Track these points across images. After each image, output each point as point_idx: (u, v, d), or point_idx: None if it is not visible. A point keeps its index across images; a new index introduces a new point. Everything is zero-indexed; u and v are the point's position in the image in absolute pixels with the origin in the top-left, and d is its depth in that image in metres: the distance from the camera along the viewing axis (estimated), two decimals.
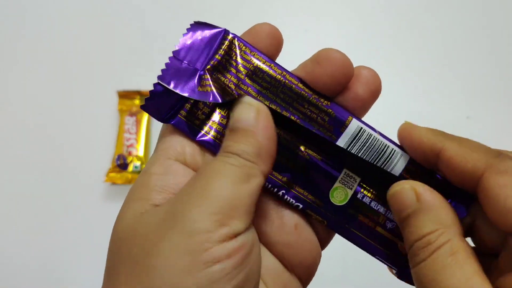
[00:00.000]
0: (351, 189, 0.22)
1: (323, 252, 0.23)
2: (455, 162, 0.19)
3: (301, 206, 0.22)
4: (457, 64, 0.56)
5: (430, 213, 0.19)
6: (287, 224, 0.22)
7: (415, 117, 0.58)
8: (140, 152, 0.53)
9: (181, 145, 0.21)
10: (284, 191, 0.22)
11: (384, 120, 0.52)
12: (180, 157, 0.20)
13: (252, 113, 0.20)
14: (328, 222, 0.22)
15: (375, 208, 0.22)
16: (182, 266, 0.17)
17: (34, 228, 0.51)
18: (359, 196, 0.22)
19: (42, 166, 0.53)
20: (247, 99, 0.21)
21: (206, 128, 0.21)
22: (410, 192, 0.19)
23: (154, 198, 0.19)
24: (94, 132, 0.54)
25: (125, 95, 0.54)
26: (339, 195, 0.22)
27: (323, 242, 0.23)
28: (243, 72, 0.21)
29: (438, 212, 0.19)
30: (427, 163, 0.21)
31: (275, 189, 0.22)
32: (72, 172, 0.52)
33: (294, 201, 0.22)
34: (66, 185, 0.52)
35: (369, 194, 0.22)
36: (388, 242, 0.22)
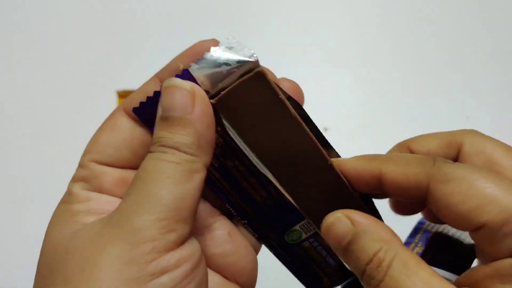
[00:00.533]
0: (307, 233, 0.22)
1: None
2: (398, 183, 0.19)
3: (247, 224, 0.22)
4: (457, 64, 0.56)
5: (369, 234, 0.18)
6: (221, 233, 0.21)
7: (415, 117, 0.58)
8: None
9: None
10: (243, 219, 0.22)
11: (383, 120, 0.52)
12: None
13: (187, 98, 0.18)
14: (272, 249, 0.23)
15: (319, 251, 0.23)
16: (127, 279, 0.15)
17: (34, 228, 0.51)
18: (310, 240, 0.22)
19: (41, 166, 0.53)
20: (177, 81, 0.19)
21: None
22: (344, 219, 0.19)
23: (81, 220, 0.18)
24: (94, 132, 0.53)
25: (125, 95, 0.54)
26: (294, 236, 0.22)
27: (255, 248, 0.23)
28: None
29: (376, 230, 0.18)
30: (374, 191, 0.20)
31: (232, 210, 0.21)
32: (72, 172, 0.52)
33: (245, 222, 0.22)
34: (66, 185, 0.52)
35: (319, 242, 0.23)
36: (317, 276, 0.23)
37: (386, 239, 0.18)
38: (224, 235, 0.21)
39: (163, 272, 0.16)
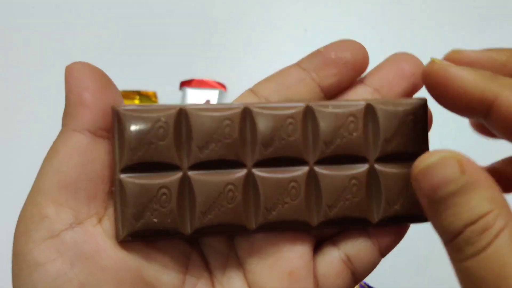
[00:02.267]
0: None
1: None
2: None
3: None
4: None
5: (482, 189, 0.14)
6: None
7: None
8: None
9: None
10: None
11: None
12: None
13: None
14: None
15: None
16: (15, 271, 0.16)
17: None
18: None
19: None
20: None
21: None
22: (453, 162, 0.15)
23: None
24: None
25: (124, 95, 0.54)
26: None
27: None
28: None
29: (490, 188, 0.15)
30: (469, 114, 0.17)
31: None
32: None
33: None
34: None
35: None
36: None
37: (501, 201, 0.15)
38: (285, 271, 0.19)
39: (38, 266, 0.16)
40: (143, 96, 0.54)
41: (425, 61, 0.20)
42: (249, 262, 0.19)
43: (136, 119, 0.17)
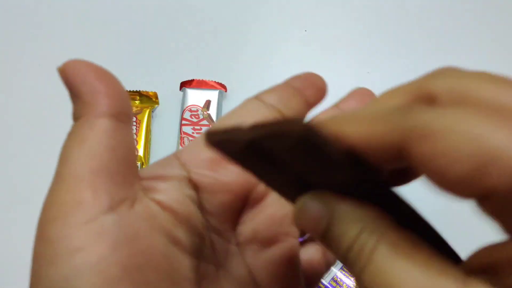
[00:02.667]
0: None
1: None
2: (364, 148, 0.14)
3: None
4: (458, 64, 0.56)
5: (349, 214, 0.15)
6: None
7: None
8: (140, 152, 0.53)
9: None
10: None
11: None
12: None
13: None
14: None
15: None
16: (49, 258, 0.16)
17: (34, 228, 0.51)
18: None
19: (42, 166, 0.53)
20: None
21: None
22: (314, 202, 0.15)
23: None
24: None
25: None
26: None
27: None
28: None
29: (357, 209, 0.15)
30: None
31: None
32: None
33: None
34: None
35: None
36: None
37: (370, 217, 0.14)
38: (285, 257, 0.21)
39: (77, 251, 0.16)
40: (144, 96, 0.54)
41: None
42: (251, 249, 0.20)
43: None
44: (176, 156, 0.20)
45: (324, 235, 0.15)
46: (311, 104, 0.23)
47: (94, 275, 0.15)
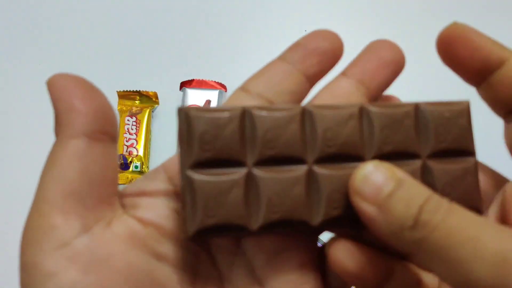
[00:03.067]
0: None
1: None
2: None
3: None
4: None
5: (414, 182, 0.17)
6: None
7: None
8: (140, 152, 0.53)
9: None
10: None
11: None
12: None
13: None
14: None
15: None
16: (26, 283, 0.16)
17: None
18: None
19: (42, 166, 0.53)
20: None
21: None
22: (384, 166, 0.17)
23: None
24: None
25: (124, 95, 0.54)
26: None
27: None
28: None
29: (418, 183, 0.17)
30: (475, 75, 0.19)
31: None
32: None
33: None
34: None
35: None
36: None
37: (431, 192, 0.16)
38: (295, 265, 0.19)
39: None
40: (144, 96, 0.54)
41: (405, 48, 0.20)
42: (258, 259, 0.19)
43: (205, 119, 0.18)
44: (164, 167, 0.20)
45: (392, 193, 0.16)
46: (313, 77, 0.21)
47: None
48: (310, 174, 0.19)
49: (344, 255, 0.18)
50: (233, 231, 0.18)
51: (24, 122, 0.55)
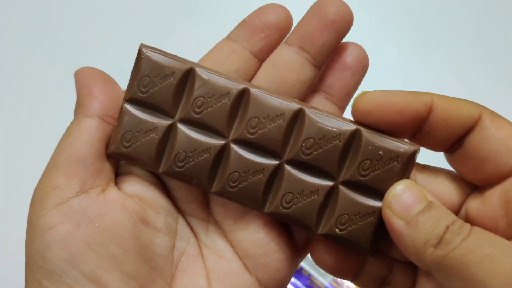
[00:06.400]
0: None
1: None
2: (450, 112, 0.18)
3: None
4: (458, 65, 0.56)
5: (441, 206, 0.18)
6: (256, 222, 0.21)
7: None
8: None
9: None
10: None
11: None
12: None
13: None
14: None
15: None
16: (29, 236, 0.18)
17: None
18: None
19: (42, 166, 0.53)
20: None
21: None
22: (415, 187, 0.18)
23: None
24: None
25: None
26: None
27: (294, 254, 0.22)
28: None
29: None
30: (407, 128, 0.19)
31: None
32: None
33: None
34: None
35: None
36: None
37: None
38: (260, 224, 0.21)
39: (48, 228, 0.18)
40: None
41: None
42: (227, 223, 0.21)
43: (152, 64, 0.20)
44: None
45: (423, 212, 0.17)
46: (261, 52, 0.22)
47: (62, 249, 0.18)
48: (224, 148, 0.20)
49: (324, 253, 0.21)
50: (141, 165, 0.21)
51: (24, 122, 0.55)
